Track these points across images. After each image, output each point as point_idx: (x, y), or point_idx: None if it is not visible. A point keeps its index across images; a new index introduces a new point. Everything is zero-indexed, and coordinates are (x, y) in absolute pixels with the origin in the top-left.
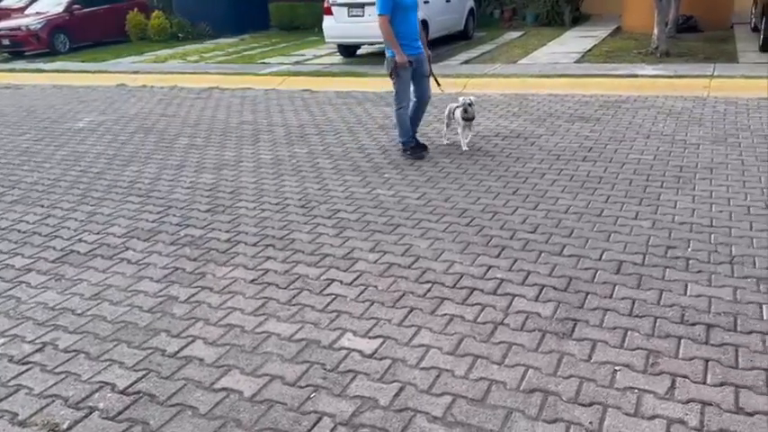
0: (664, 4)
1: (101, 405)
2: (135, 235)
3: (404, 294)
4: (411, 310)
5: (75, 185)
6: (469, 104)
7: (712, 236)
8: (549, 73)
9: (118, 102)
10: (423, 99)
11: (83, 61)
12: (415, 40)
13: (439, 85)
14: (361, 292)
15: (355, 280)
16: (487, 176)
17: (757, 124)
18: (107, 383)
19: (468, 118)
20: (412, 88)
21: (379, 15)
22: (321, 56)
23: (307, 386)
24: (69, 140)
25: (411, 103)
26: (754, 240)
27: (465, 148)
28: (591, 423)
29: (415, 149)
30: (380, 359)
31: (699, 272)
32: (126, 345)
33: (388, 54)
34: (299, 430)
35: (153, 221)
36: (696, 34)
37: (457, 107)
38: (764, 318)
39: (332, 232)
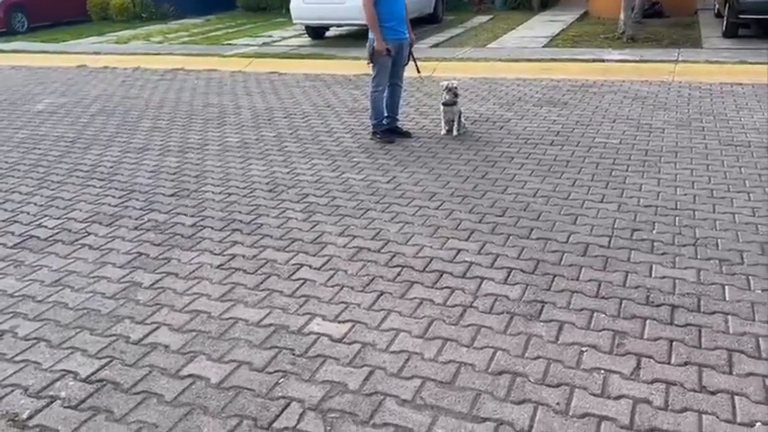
0: None
1: (63, 394)
2: (97, 220)
3: (373, 278)
4: (381, 294)
5: (35, 169)
6: (447, 89)
7: (677, 218)
8: (518, 57)
9: (79, 83)
10: (396, 85)
11: (42, 41)
12: (401, 23)
13: (419, 72)
14: (331, 277)
15: (324, 264)
16: (457, 160)
17: (720, 108)
18: (69, 372)
19: (446, 103)
20: None
21: None
22: (288, 37)
23: (275, 372)
24: (28, 123)
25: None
26: (717, 222)
27: (452, 132)
28: (558, 404)
29: (385, 133)
30: (350, 343)
31: (663, 254)
32: (89, 332)
33: (370, 36)
34: (267, 416)
35: (115, 206)
36: (661, 20)
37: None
38: (727, 298)
39: (300, 216)
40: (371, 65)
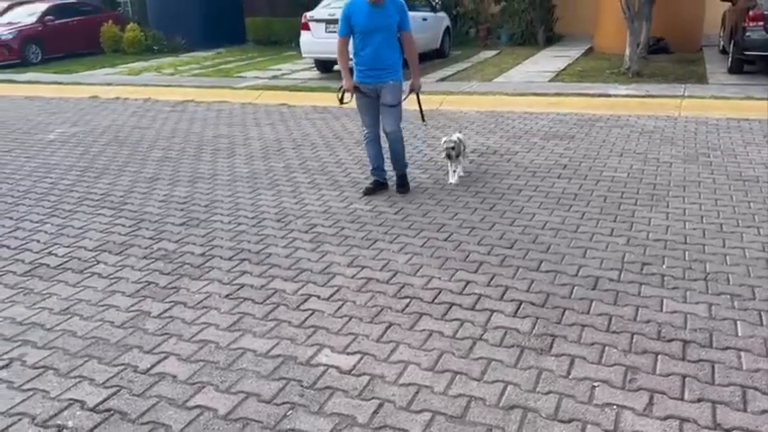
0: (635, 26)
1: (70, 423)
2: (107, 248)
3: (382, 310)
4: (389, 326)
5: (46, 198)
6: (454, 144)
7: (686, 252)
8: (524, 91)
9: (90, 114)
10: (384, 131)
11: (55, 72)
12: (374, 69)
13: (423, 121)
14: (339, 308)
15: (333, 295)
16: (464, 192)
17: (727, 143)
18: (77, 401)
19: (449, 156)
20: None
21: (338, 37)
22: (298, 71)
23: (283, 403)
24: (40, 152)
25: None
26: (728, 257)
27: (451, 181)
28: None
29: (368, 188)
30: (359, 376)
31: (674, 288)
32: (97, 361)
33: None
34: None
35: (125, 235)
36: (666, 56)
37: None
38: (739, 334)
39: (309, 246)
40: (344, 103)
